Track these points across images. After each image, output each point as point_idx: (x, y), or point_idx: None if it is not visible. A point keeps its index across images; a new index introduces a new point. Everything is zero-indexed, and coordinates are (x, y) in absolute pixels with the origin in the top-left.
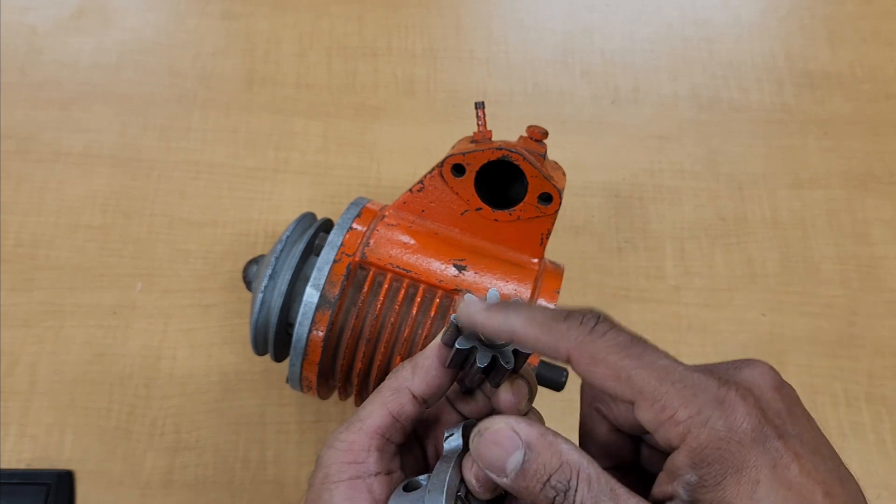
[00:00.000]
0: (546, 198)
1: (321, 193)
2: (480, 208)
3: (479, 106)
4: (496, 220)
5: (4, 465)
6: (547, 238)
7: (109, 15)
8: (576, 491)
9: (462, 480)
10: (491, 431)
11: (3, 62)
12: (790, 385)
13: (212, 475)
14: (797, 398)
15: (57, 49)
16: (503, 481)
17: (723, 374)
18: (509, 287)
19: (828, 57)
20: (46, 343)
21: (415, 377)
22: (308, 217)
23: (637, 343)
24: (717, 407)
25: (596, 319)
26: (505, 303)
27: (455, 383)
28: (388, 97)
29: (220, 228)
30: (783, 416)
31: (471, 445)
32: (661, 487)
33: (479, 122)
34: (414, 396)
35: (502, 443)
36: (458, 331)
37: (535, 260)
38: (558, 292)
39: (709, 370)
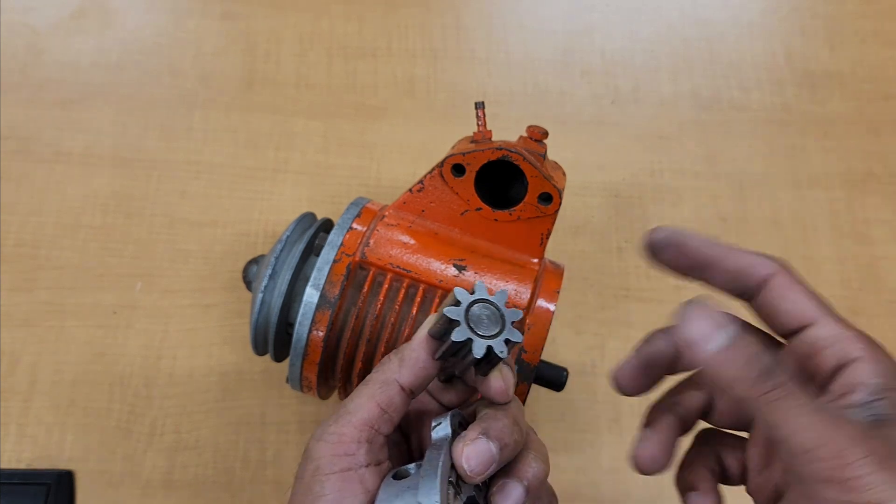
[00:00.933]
0: (546, 198)
1: (321, 193)
2: (480, 208)
3: (479, 106)
4: (496, 220)
5: (4, 465)
6: (547, 238)
7: (110, 15)
8: (781, 370)
9: (453, 466)
10: (695, 304)
11: (4, 62)
12: None
13: (212, 475)
14: None
15: (57, 49)
16: (708, 350)
17: None
18: (509, 287)
19: (828, 57)
20: (47, 343)
21: (402, 369)
22: (308, 217)
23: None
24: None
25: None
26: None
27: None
28: (388, 97)
29: (221, 228)
30: None
31: (678, 318)
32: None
33: (479, 122)
34: (402, 388)
35: (710, 317)
36: (450, 323)
37: (535, 260)
38: (558, 292)
39: None
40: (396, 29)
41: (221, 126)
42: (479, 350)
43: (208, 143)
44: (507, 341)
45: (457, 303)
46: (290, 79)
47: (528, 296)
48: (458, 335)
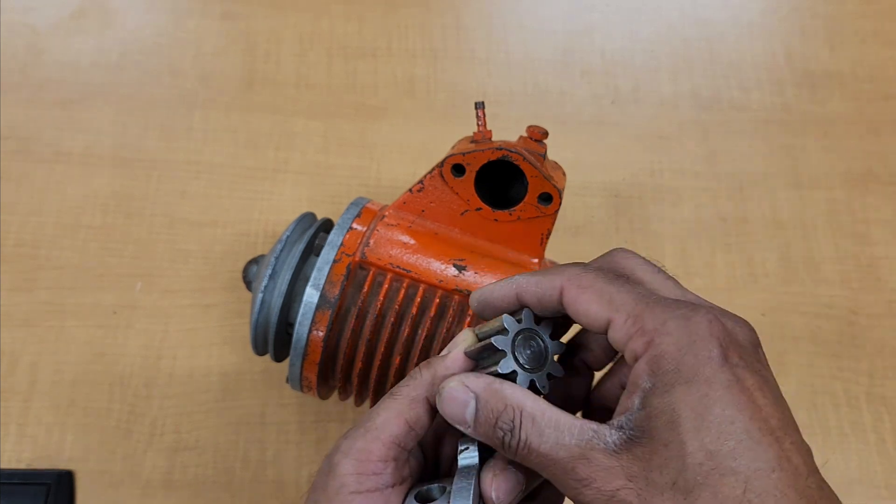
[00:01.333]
0: (546, 198)
1: (321, 193)
2: (480, 208)
3: (479, 106)
4: (496, 220)
5: (4, 465)
6: (547, 238)
7: (110, 15)
8: (520, 428)
9: (480, 495)
10: (447, 389)
11: (4, 62)
12: (763, 351)
13: (212, 475)
14: (766, 360)
15: (57, 49)
16: (469, 431)
17: (705, 305)
18: None
19: (828, 57)
20: (47, 343)
21: (434, 387)
22: (308, 217)
23: (621, 278)
24: (682, 322)
25: (590, 263)
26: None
27: None
28: (388, 97)
29: (221, 228)
30: (750, 355)
31: (437, 405)
32: (621, 405)
33: (479, 122)
34: (431, 406)
35: (457, 397)
36: (495, 353)
37: (535, 260)
38: None
39: (701, 301)
40: (396, 29)
41: (221, 126)
42: (522, 383)
43: (208, 143)
44: (549, 376)
45: (503, 330)
46: (290, 79)
47: None
48: (504, 367)
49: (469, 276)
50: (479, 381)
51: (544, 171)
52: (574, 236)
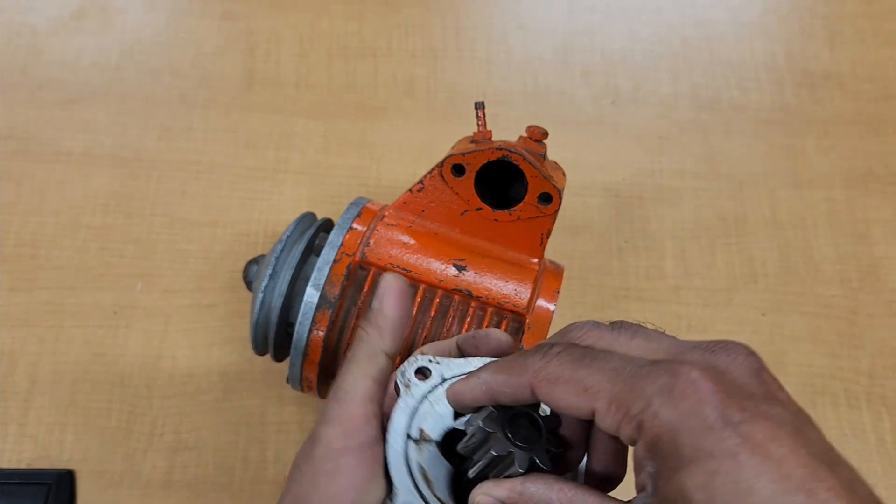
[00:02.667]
0: (546, 198)
1: (321, 193)
2: (480, 208)
3: (479, 106)
4: (496, 220)
5: (4, 465)
6: (547, 238)
7: (110, 15)
8: None
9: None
10: None
11: (4, 62)
12: (769, 371)
13: (212, 475)
14: (779, 384)
15: (58, 49)
16: None
17: (688, 357)
18: (509, 287)
19: (828, 57)
20: (47, 343)
21: (383, 338)
22: (308, 217)
23: (588, 353)
24: (667, 396)
25: (550, 346)
26: (479, 368)
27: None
28: (388, 97)
29: (221, 228)
30: (757, 399)
31: None
32: (637, 481)
33: (479, 122)
34: (388, 356)
35: None
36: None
37: (536, 260)
38: (558, 292)
39: (681, 349)
40: (396, 29)
41: (221, 126)
42: (521, 464)
43: (208, 143)
44: (548, 451)
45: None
46: (290, 79)
47: (528, 296)
48: (498, 449)
49: (469, 276)
50: (502, 489)
51: (544, 171)
52: (574, 236)
